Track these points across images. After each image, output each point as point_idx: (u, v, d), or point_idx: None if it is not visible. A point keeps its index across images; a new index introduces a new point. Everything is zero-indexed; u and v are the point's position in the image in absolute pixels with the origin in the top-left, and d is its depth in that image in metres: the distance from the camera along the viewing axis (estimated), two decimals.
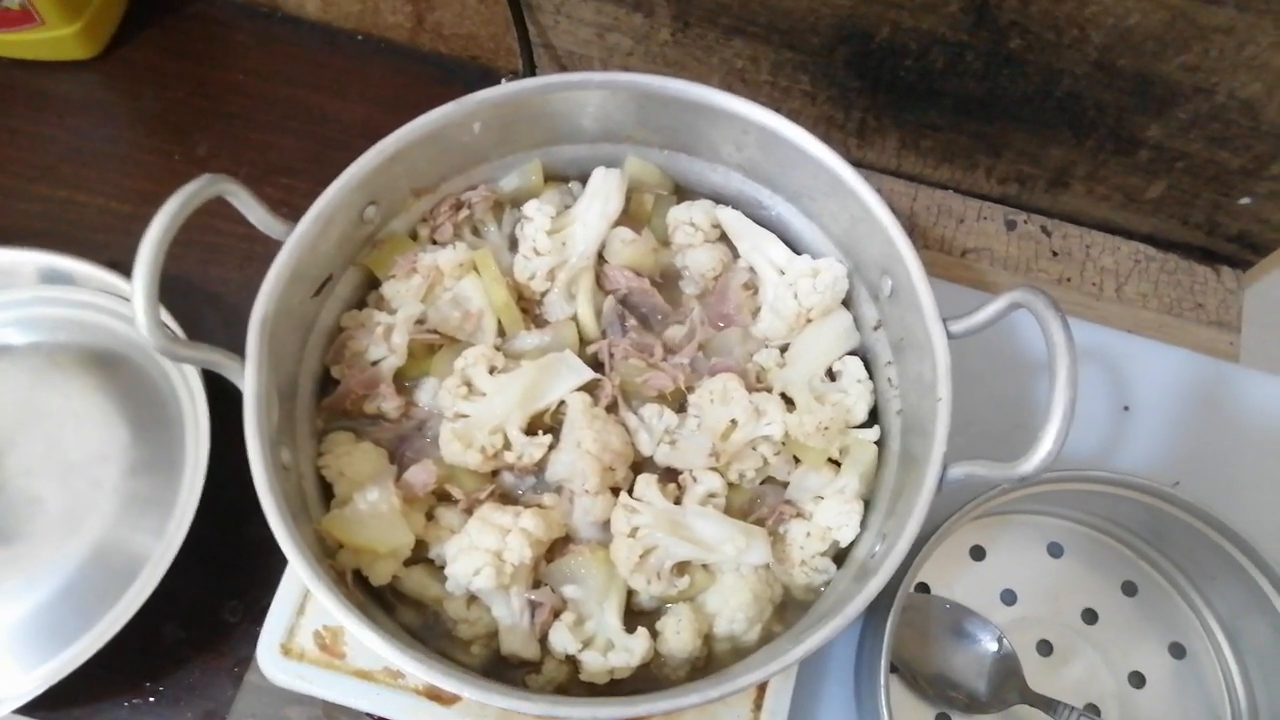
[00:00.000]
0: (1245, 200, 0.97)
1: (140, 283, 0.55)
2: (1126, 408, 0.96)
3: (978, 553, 0.89)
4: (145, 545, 0.81)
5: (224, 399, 0.88)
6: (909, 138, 1.03)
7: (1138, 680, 0.85)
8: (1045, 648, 0.86)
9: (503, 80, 1.13)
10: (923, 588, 0.87)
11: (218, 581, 0.88)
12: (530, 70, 1.03)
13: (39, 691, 0.73)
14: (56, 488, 0.82)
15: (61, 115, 1.10)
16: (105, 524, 0.81)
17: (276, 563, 0.87)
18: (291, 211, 0.67)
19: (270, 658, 0.73)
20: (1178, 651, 0.86)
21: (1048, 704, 0.79)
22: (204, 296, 1.00)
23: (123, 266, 0.93)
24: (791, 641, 0.57)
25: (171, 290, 0.61)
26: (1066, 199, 1.05)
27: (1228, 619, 0.85)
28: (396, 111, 1.13)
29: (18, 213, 1.03)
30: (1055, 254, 1.06)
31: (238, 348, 0.82)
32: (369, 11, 1.13)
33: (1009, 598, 0.87)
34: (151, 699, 0.84)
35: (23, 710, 0.76)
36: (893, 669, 0.74)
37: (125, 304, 0.90)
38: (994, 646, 0.82)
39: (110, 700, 0.83)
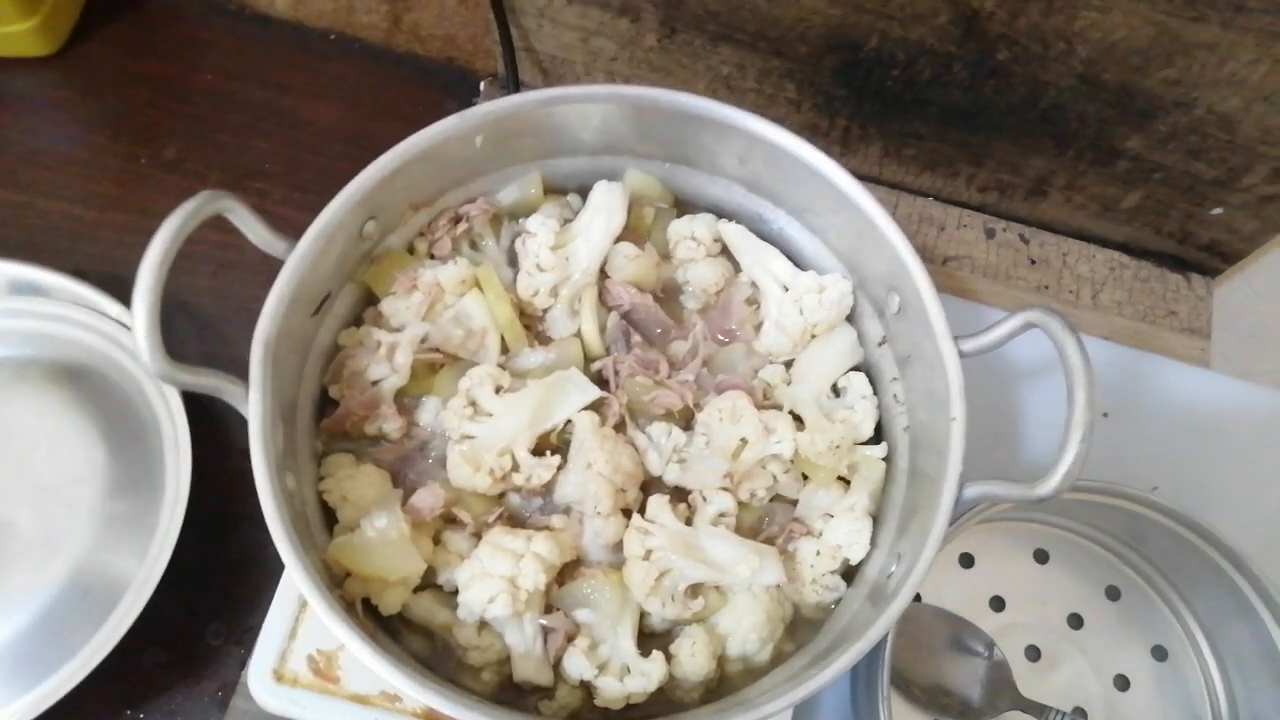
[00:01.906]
0: (1217, 210, 0.99)
1: (141, 309, 0.52)
2: (1105, 414, 0.98)
3: (966, 560, 0.90)
4: (127, 569, 0.78)
5: (202, 414, 0.85)
6: (892, 146, 1.04)
7: (1122, 683, 0.87)
8: (1033, 653, 0.87)
9: (481, 84, 1.11)
10: (914, 596, 0.88)
11: (199, 603, 0.85)
12: (512, 74, 1.01)
13: None
14: (30, 511, 0.78)
15: (18, 115, 1.05)
16: (84, 548, 0.78)
17: (258, 581, 0.86)
18: (267, 218, 0.64)
19: (262, 683, 0.71)
20: (1160, 654, 0.88)
21: (1039, 710, 0.80)
22: (175, 306, 0.97)
23: (90, 275, 0.90)
24: (815, 666, 0.57)
25: None
26: (1044, 207, 1.06)
27: (1207, 621, 0.87)
28: (372, 115, 1.12)
29: None
30: (1033, 262, 1.08)
31: (214, 359, 0.79)
32: (342, 10, 1.10)
33: (997, 604, 0.89)
34: None
35: None
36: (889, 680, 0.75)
37: (97, 316, 0.87)
38: (986, 655, 0.83)
39: None
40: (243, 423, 0.59)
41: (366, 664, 0.53)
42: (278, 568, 0.85)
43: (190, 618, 0.85)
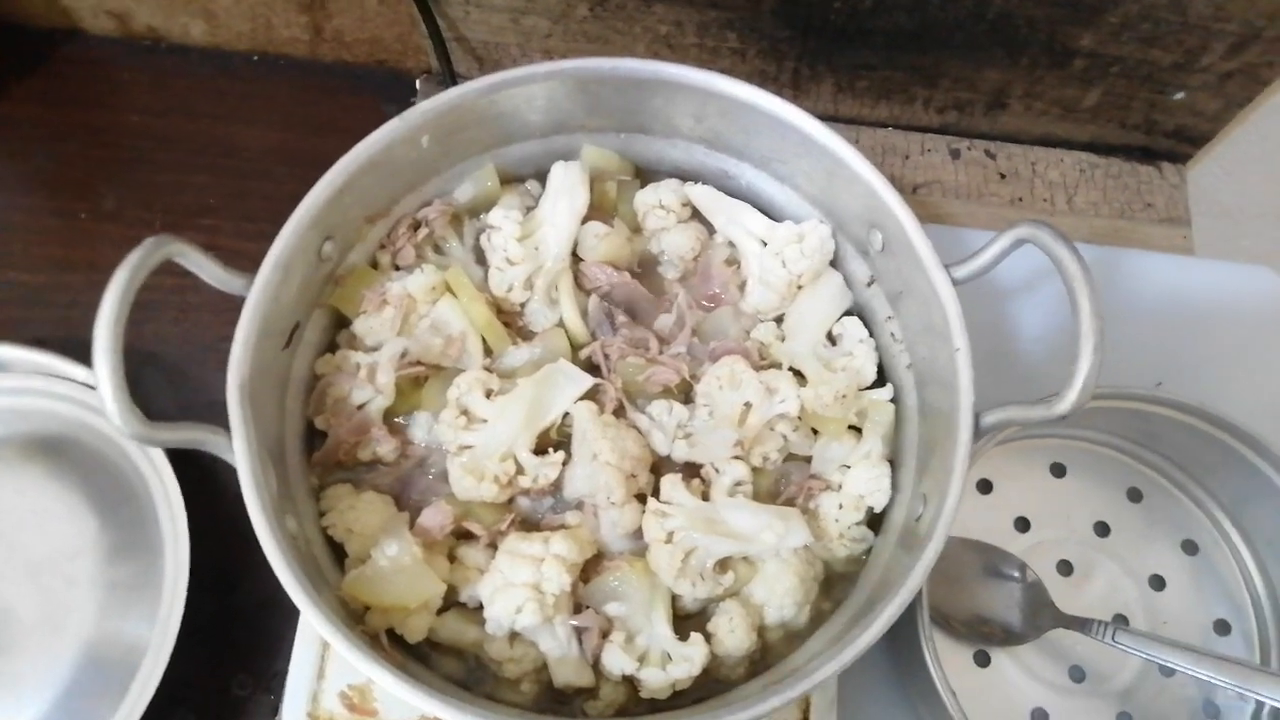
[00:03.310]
0: (1179, 95, 0.98)
1: (104, 371, 0.50)
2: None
3: (985, 486, 0.89)
4: (139, 634, 0.75)
5: (189, 465, 0.82)
6: (844, 81, 1.02)
7: (1157, 583, 0.86)
8: (1065, 568, 0.86)
9: (416, 82, 1.08)
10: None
11: (219, 656, 0.83)
12: (446, 67, 0.98)
13: None
14: (27, 592, 0.76)
15: None
16: (91, 621, 0.76)
17: (275, 625, 0.84)
18: (222, 255, 0.62)
19: None
20: (1190, 548, 0.88)
21: (1080, 623, 0.79)
22: (141, 358, 0.94)
23: (49, 343, 0.87)
24: (859, 624, 0.55)
25: None
26: (1006, 119, 1.05)
27: (1232, 507, 0.86)
28: (310, 131, 1.09)
29: None
30: (1003, 176, 1.06)
31: (190, 407, 0.76)
32: (261, 29, 1.06)
33: (1022, 525, 0.88)
34: None
35: None
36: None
37: (63, 384, 0.84)
38: (1020, 578, 0.82)
39: None
40: (232, 468, 0.57)
41: (402, 697, 0.51)
42: (294, 609, 0.83)
43: (213, 673, 0.83)
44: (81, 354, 0.84)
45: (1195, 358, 0.96)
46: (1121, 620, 0.84)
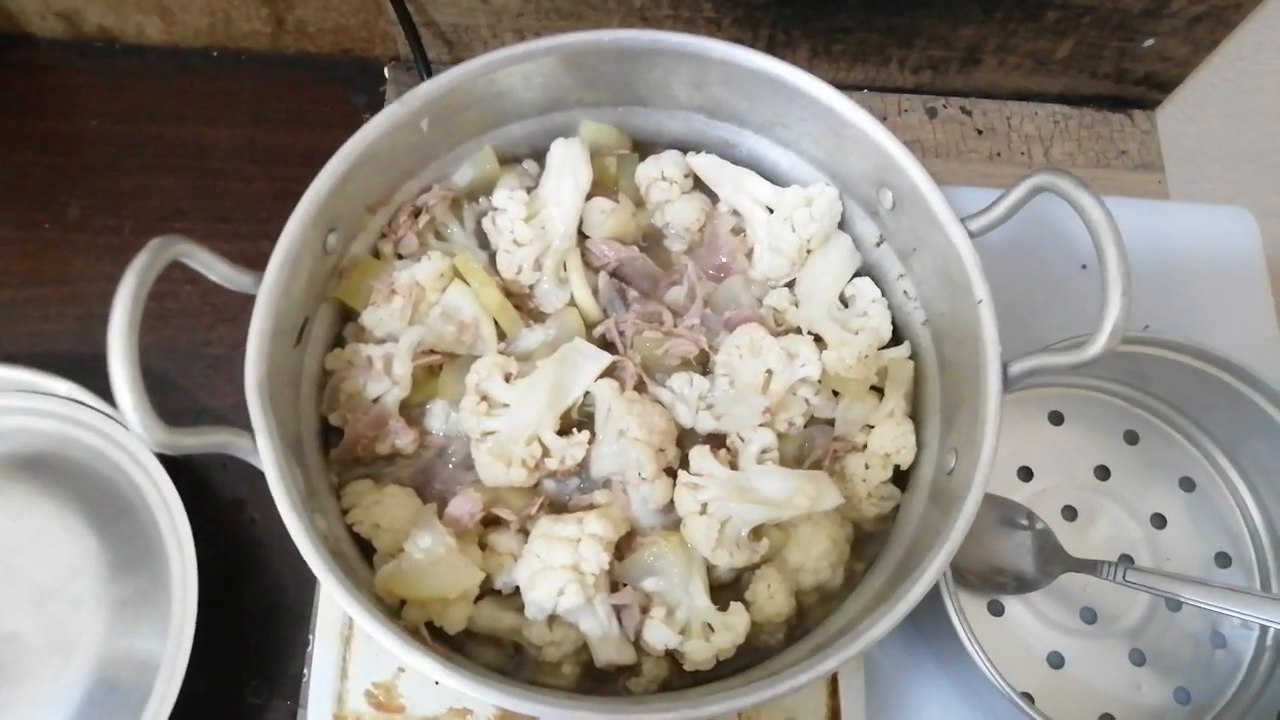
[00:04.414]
0: (1149, 42, 0.99)
1: (122, 379, 0.48)
2: (1084, 266, 0.98)
3: None
4: (151, 650, 0.73)
5: (185, 472, 0.80)
6: (820, 45, 1.01)
7: (1159, 521, 0.88)
8: (1070, 513, 0.88)
9: (385, 69, 1.06)
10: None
11: (231, 665, 0.81)
12: (418, 52, 0.95)
13: None
14: (33, 618, 0.73)
15: None
16: (100, 640, 0.73)
17: (284, 629, 0.83)
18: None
19: None
20: (1188, 485, 0.89)
21: (1090, 565, 0.80)
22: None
23: (22, 359, 0.83)
24: (898, 578, 0.56)
25: (98, 374, 0.53)
26: (979, 75, 1.05)
27: (1226, 442, 0.88)
28: (277, 126, 1.06)
29: None
30: (980, 132, 1.07)
31: (180, 415, 0.73)
32: (220, 23, 1.03)
33: (1025, 474, 0.89)
34: None
35: None
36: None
37: (46, 399, 0.81)
38: (1029, 526, 0.83)
39: None
40: (227, 471, 0.55)
41: (456, 687, 0.50)
42: (302, 610, 0.82)
43: (226, 683, 0.81)
44: (60, 368, 0.82)
45: (1179, 300, 0.98)
46: (1127, 560, 0.86)
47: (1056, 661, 0.83)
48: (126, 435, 0.80)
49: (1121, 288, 0.54)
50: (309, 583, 0.82)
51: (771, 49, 1.01)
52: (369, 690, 0.70)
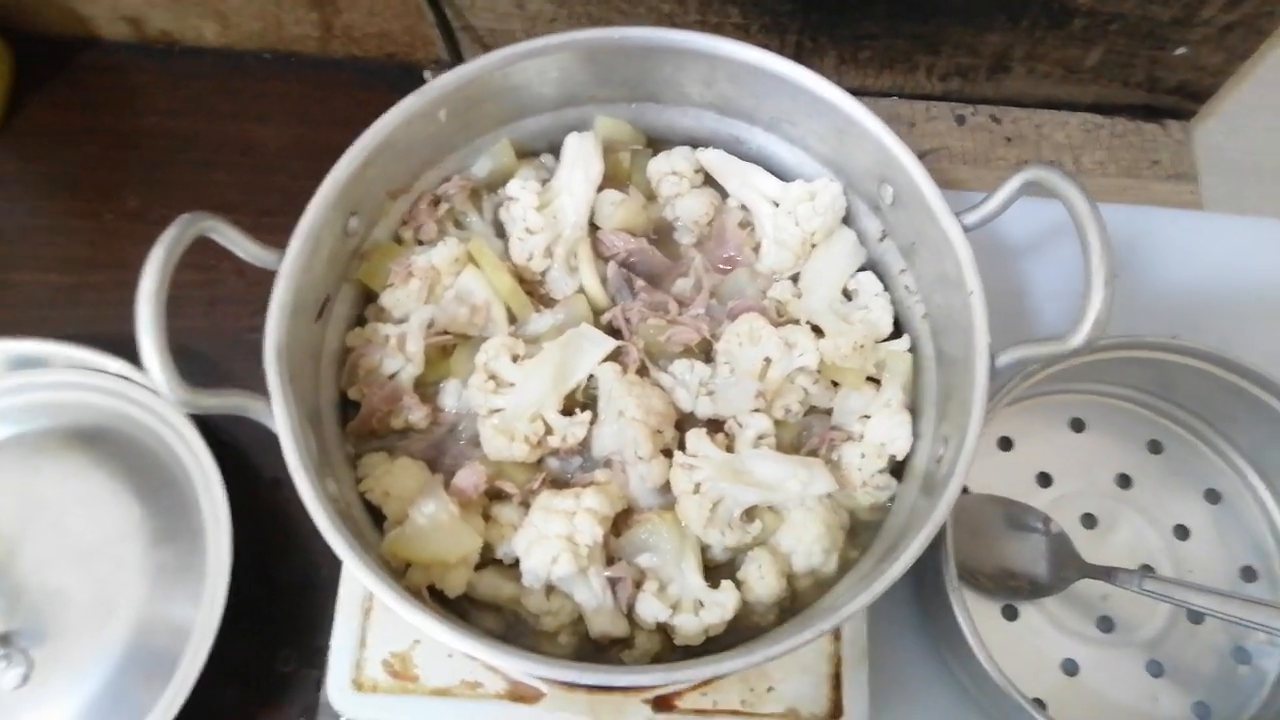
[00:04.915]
0: (1181, 50, 0.99)
1: (148, 341, 0.52)
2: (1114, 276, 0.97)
3: (1005, 443, 0.90)
4: (185, 614, 0.77)
5: (226, 450, 0.84)
6: (847, 52, 1.03)
7: (1182, 533, 0.87)
8: (1089, 520, 0.87)
9: (425, 73, 1.10)
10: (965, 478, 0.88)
11: (264, 634, 0.85)
12: (455, 56, 1.00)
13: None
14: (79, 576, 0.78)
15: None
16: (139, 601, 0.77)
17: (317, 603, 0.86)
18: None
19: (344, 696, 0.72)
20: (1213, 497, 0.88)
21: (1106, 572, 0.80)
22: (173, 351, 0.96)
23: (82, 339, 0.89)
24: (885, 562, 0.57)
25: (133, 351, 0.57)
26: (1009, 83, 1.06)
27: (1253, 454, 0.87)
28: (322, 126, 1.10)
29: None
30: (1009, 140, 1.07)
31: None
32: (271, 27, 1.08)
33: (1044, 481, 0.89)
34: None
35: None
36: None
37: (100, 376, 0.86)
38: (1044, 530, 0.83)
39: None
40: (267, 452, 0.58)
41: (449, 643, 0.53)
42: (333, 586, 0.85)
43: (259, 651, 0.85)
44: (114, 347, 0.87)
45: (1209, 311, 0.97)
46: (1147, 569, 0.85)
47: (1070, 669, 0.83)
48: (173, 413, 0.84)
49: (1104, 278, 0.55)
50: (339, 560, 0.86)
51: (799, 56, 1.03)
52: (386, 659, 0.73)
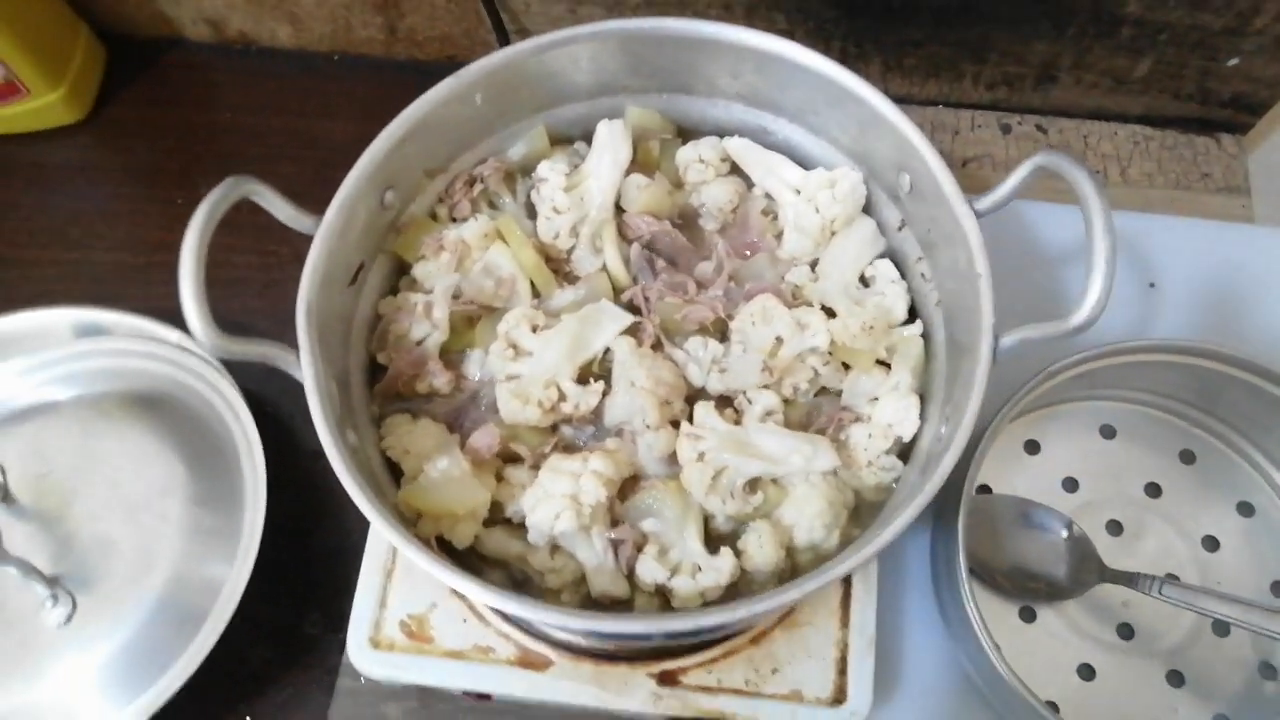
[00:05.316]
0: (1233, 61, 0.98)
1: (188, 289, 0.56)
2: (1152, 284, 0.97)
3: (1032, 447, 0.89)
4: (219, 572, 0.81)
5: (269, 422, 0.89)
6: (891, 59, 1.04)
7: (1211, 544, 0.85)
8: (1115, 528, 0.86)
9: None
10: (984, 489, 0.88)
11: (293, 598, 0.89)
12: None
13: None
14: (126, 528, 0.83)
15: (61, 181, 1.12)
16: (176, 556, 0.82)
17: (346, 571, 0.89)
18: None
19: (362, 653, 0.74)
20: (1246, 510, 0.86)
21: (1129, 579, 0.79)
22: (230, 328, 1.01)
23: (148, 312, 0.95)
24: (868, 536, 0.58)
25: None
26: (1056, 93, 1.06)
27: None
28: (383, 122, 1.15)
29: (37, 279, 1.05)
30: (1054, 149, 1.07)
31: (273, 372, 0.82)
32: (340, 30, 1.14)
33: (1070, 486, 0.88)
34: None
35: None
36: (970, 572, 0.75)
37: (160, 346, 0.92)
38: (1065, 532, 0.82)
39: None
40: (309, 426, 0.60)
41: (455, 586, 0.55)
42: (361, 554, 0.89)
43: (288, 613, 0.89)
44: (174, 320, 0.92)
45: (1250, 324, 0.95)
46: (1172, 578, 0.84)
47: (1087, 674, 0.82)
48: (224, 382, 0.90)
49: (1105, 257, 0.55)
50: (369, 529, 0.90)
51: (844, 62, 1.04)
52: (403, 620, 0.76)
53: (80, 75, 1.11)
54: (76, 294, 1.02)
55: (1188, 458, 0.89)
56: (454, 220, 0.76)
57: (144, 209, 1.10)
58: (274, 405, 0.94)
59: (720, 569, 0.62)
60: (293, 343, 0.63)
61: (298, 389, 0.63)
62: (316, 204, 1.08)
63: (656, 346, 0.70)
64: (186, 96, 1.16)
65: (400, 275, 0.75)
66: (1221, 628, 0.82)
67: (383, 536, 0.57)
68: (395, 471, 0.69)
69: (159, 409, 0.90)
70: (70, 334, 0.93)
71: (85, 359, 0.92)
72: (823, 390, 0.71)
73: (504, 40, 1.05)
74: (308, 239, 0.66)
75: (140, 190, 1.12)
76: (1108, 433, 0.90)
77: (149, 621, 0.79)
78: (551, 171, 0.72)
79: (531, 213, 0.77)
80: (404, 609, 0.76)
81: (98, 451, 0.86)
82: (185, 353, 0.92)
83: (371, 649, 0.74)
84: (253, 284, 1.04)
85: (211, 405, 0.91)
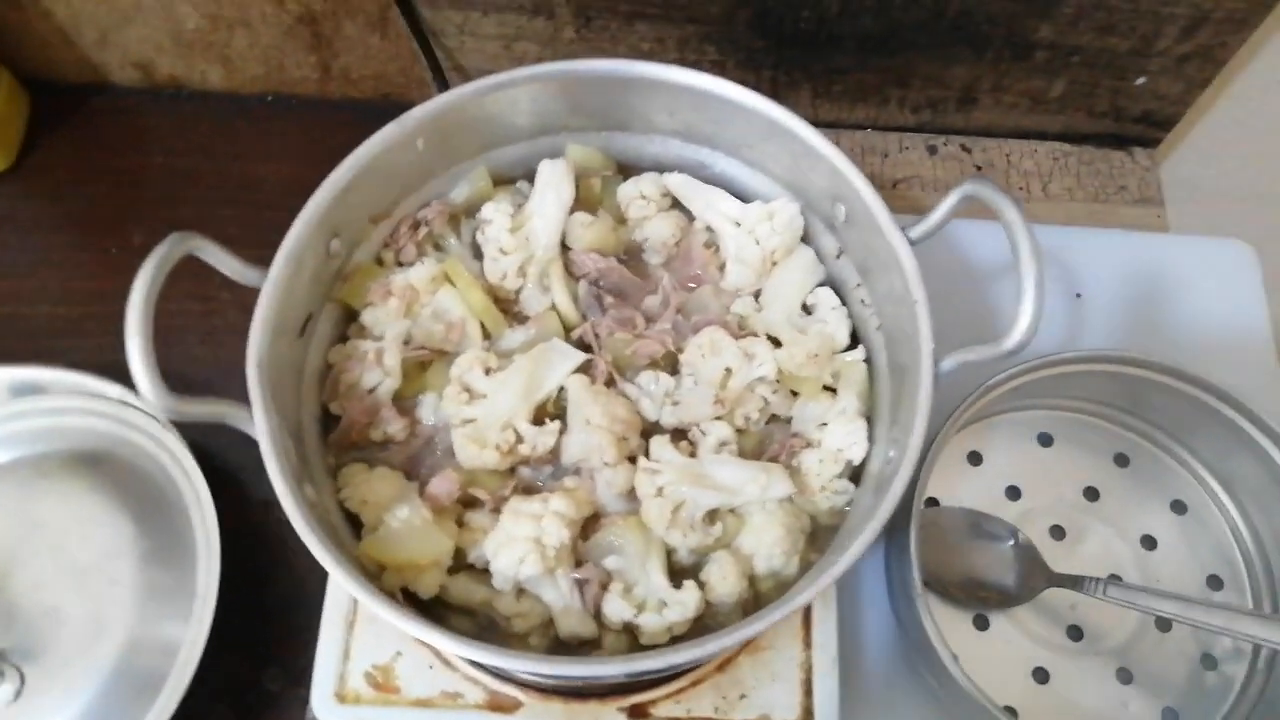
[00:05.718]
0: (1141, 80, 1.03)
1: (135, 350, 0.56)
2: (1078, 295, 1.01)
3: (975, 458, 0.92)
4: (175, 633, 0.80)
5: (217, 473, 0.88)
6: (820, 86, 1.07)
7: (1149, 543, 0.89)
8: (1058, 532, 0.89)
9: None
10: (931, 502, 0.90)
11: (252, 654, 0.88)
12: None
13: None
14: (73, 594, 0.81)
15: None
16: (130, 619, 0.80)
17: (303, 623, 0.88)
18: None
19: (327, 708, 0.74)
20: (1179, 508, 0.90)
21: (1074, 582, 0.82)
22: (171, 378, 0.99)
23: (84, 367, 0.93)
24: (826, 562, 0.59)
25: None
26: (978, 114, 1.10)
27: (1217, 466, 0.89)
28: (320, 164, 1.12)
29: None
30: (979, 168, 1.11)
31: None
32: (274, 71, 1.13)
33: (1013, 494, 0.91)
34: None
35: None
36: (925, 585, 0.77)
37: (100, 402, 0.90)
38: (1011, 541, 0.85)
39: None
40: (259, 476, 0.60)
41: (422, 638, 0.55)
42: (319, 605, 0.88)
43: (247, 669, 0.88)
44: (114, 374, 0.91)
45: (1172, 329, 0.99)
46: (1115, 579, 0.87)
47: (1041, 677, 0.85)
48: (169, 436, 0.88)
49: (1034, 279, 0.58)
50: (326, 578, 0.89)
51: (775, 90, 1.08)
52: (368, 671, 0.75)
53: (3, 124, 1.08)
54: (9, 351, 1.00)
55: (1122, 460, 0.92)
56: (400, 265, 0.76)
57: (76, 258, 1.08)
58: (221, 456, 0.92)
59: (686, 603, 0.63)
60: (241, 395, 0.63)
61: (244, 438, 0.62)
62: (256, 248, 1.07)
63: (609, 383, 0.71)
64: (117, 142, 1.14)
65: (349, 323, 0.75)
66: (1164, 624, 0.85)
67: (345, 589, 0.57)
68: (354, 522, 0.68)
69: (102, 467, 0.89)
70: (5, 394, 0.90)
71: (22, 419, 0.90)
72: (773, 418, 0.73)
73: (440, 77, 1.06)
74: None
75: (72, 239, 1.09)
76: (1045, 440, 0.93)
77: (104, 691, 0.78)
78: (496, 212, 0.73)
79: (477, 254, 0.77)
80: (368, 659, 0.75)
81: (39, 515, 0.84)
82: (127, 407, 0.90)
83: (337, 703, 0.74)
84: (194, 332, 1.03)
85: (157, 460, 0.89)
